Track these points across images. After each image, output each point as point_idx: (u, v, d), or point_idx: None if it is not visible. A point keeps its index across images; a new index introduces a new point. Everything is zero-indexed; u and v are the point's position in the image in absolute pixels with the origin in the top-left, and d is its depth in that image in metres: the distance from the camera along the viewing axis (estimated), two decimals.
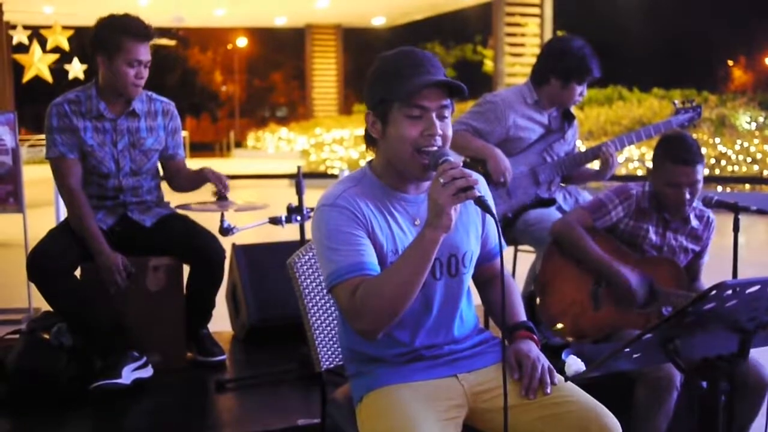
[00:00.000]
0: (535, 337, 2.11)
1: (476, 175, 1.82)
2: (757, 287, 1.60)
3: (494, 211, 1.80)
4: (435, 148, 1.92)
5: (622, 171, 12.55)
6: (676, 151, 2.84)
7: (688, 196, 2.84)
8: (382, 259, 1.95)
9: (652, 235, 2.96)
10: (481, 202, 1.78)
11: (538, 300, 3.05)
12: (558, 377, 2.01)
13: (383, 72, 1.99)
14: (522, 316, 2.17)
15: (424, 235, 1.82)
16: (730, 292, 1.57)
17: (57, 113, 3.43)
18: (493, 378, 2.04)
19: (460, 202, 1.79)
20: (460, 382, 2.02)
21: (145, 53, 3.39)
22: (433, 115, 1.93)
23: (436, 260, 1.92)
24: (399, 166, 1.98)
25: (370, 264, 1.91)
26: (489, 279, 2.23)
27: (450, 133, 1.96)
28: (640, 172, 13.02)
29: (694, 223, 2.98)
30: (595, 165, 3.86)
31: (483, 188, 1.83)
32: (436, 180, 1.79)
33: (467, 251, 2.05)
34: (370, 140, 2.04)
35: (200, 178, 3.59)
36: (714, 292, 1.55)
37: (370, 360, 2.03)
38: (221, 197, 3.50)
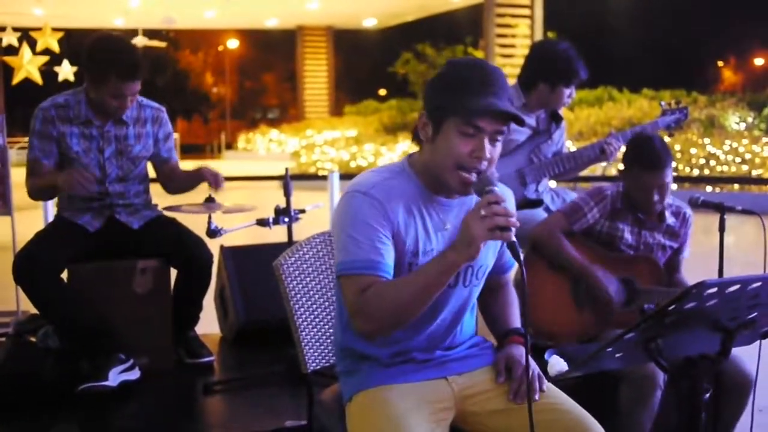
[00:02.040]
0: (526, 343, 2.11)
1: (516, 218, 1.76)
2: (737, 286, 1.61)
3: (522, 258, 1.75)
4: (478, 171, 1.88)
5: (612, 171, 12.59)
6: (643, 156, 2.87)
7: (656, 197, 2.87)
8: (401, 259, 1.93)
9: (628, 235, 2.98)
10: (513, 248, 1.74)
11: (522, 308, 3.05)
12: (547, 384, 2.01)
13: (450, 79, 1.93)
14: (516, 322, 2.17)
15: (447, 256, 1.80)
16: (710, 291, 1.58)
17: (42, 118, 3.42)
18: (483, 381, 2.04)
19: (493, 240, 1.76)
20: (450, 384, 2.02)
21: (131, 88, 3.34)
22: (486, 138, 1.88)
23: None
24: (438, 175, 1.94)
25: (386, 266, 1.88)
26: (491, 289, 2.21)
27: (497, 157, 1.93)
28: None
29: (670, 220, 3.00)
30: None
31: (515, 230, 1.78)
32: (477, 209, 1.75)
33: (483, 265, 2.05)
34: (416, 137, 2.01)
35: (197, 177, 3.58)
36: (695, 291, 1.56)
37: (361, 358, 2.03)
38: (212, 197, 3.51)
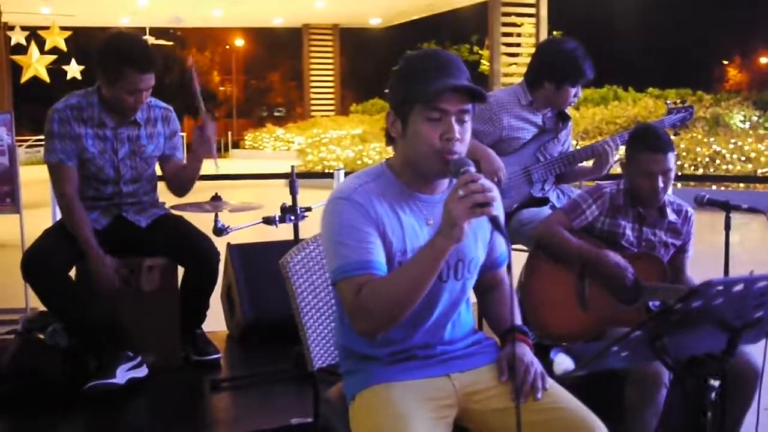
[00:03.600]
0: (529, 341, 2.12)
1: (495, 192, 1.79)
2: (743, 285, 1.60)
3: (505, 231, 1.78)
4: (456, 155, 1.91)
5: (617, 170, 12.56)
6: (647, 141, 2.91)
7: (661, 184, 2.88)
8: (390, 258, 1.95)
9: (628, 232, 2.98)
10: (495, 221, 1.76)
11: (527, 308, 3.06)
12: (550, 382, 2.01)
13: (407, 72, 1.98)
14: (517, 320, 2.18)
15: (435, 242, 1.82)
16: (716, 289, 1.58)
17: (59, 119, 3.40)
18: (486, 379, 2.05)
19: (475, 217, 1.77)
20: (452, 381, 2.02)
21: (147, 82, 3.35)
22: (453, 118, 1.92)
23: (444, 263, 1.92)
24: (417, 165, 1.97)
25: (378, 263, 1.91)
26: (490, 287, 2.23)
27: (468, 137, 1.96)
28: None
29: (672, 217, 3.00)
30: (589, 163, 3.88)
31: (497, 205, 1.81)
32: (454, 190, 1.78)
33: (474, 258, 2.06)
34: (389, 139, 2.05)
35: (193, 158, 3.57)
36: (701, 289, 1.56)
37: (363, 358, 2.04)
38: (218, 195, 3.51)
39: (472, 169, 1.83)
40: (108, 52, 3.34)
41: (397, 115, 1.98)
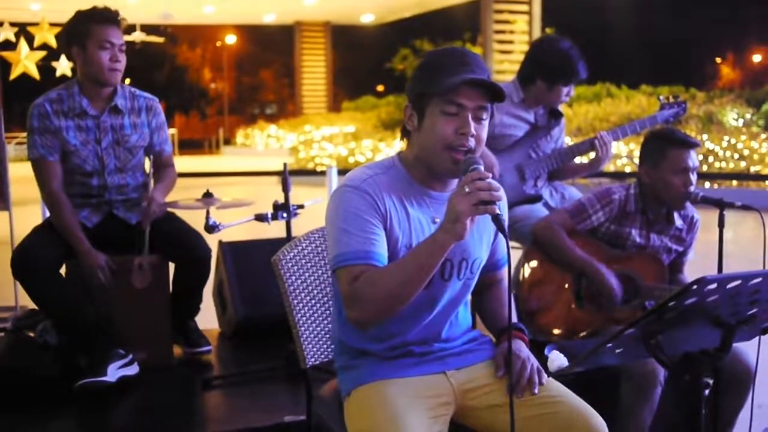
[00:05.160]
0: (525, 338, 2.11)
1: (501, 192, 1.79)
2: (737, 282, 1.60)
3: (507, 231, 1.78)
4: (467, 149, 1.90)
5: (610, 168, 12.57)
6: (677, 139, 2.90)
7: (693, 178, 2.87)
8: (395, 253, 1.94)
9: (636, 237, 2.97)
10: (497, 220, 1.76)
11: (522, 304, 3.05)
12: (546, 378, 2.01)
13: (427, 66, 1.98)
14: (513, 317, 2.18)
15: (436, 238, 1.81)
16: (710, 287, 1.58)
17: (38, 114, 3.41)
18: (482, 376, 2.04)
19: (478, 215, 1.76)
20: (449, 379, 2.02)
21: (115, 36, 3.41)
22: (469, 114, 1.91)
23: (447, 261, 1.91)
24: (428, 161, 1.96)
25: (379, 255, 1.90)
26: (487, 286, 2.23)
27: (484, 135, 1.94)
28: (628, 169, 13.05)
29: (678, 223, 2.99)
30: (584, 159, 3.87)
31: (502, 205, 1.80)
32: (461, 187, 1.77)
33: (477, 258, 2.06)
34: (404, 132, 2.04)
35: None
36: (695, 286, 1.55)
37: (359, 353, 2.03)
38: (209, 192, 3.51)
39: (482, 167, 1.83)
40: (72, 20, 3.42)
41: (414, 107, 1.98)
